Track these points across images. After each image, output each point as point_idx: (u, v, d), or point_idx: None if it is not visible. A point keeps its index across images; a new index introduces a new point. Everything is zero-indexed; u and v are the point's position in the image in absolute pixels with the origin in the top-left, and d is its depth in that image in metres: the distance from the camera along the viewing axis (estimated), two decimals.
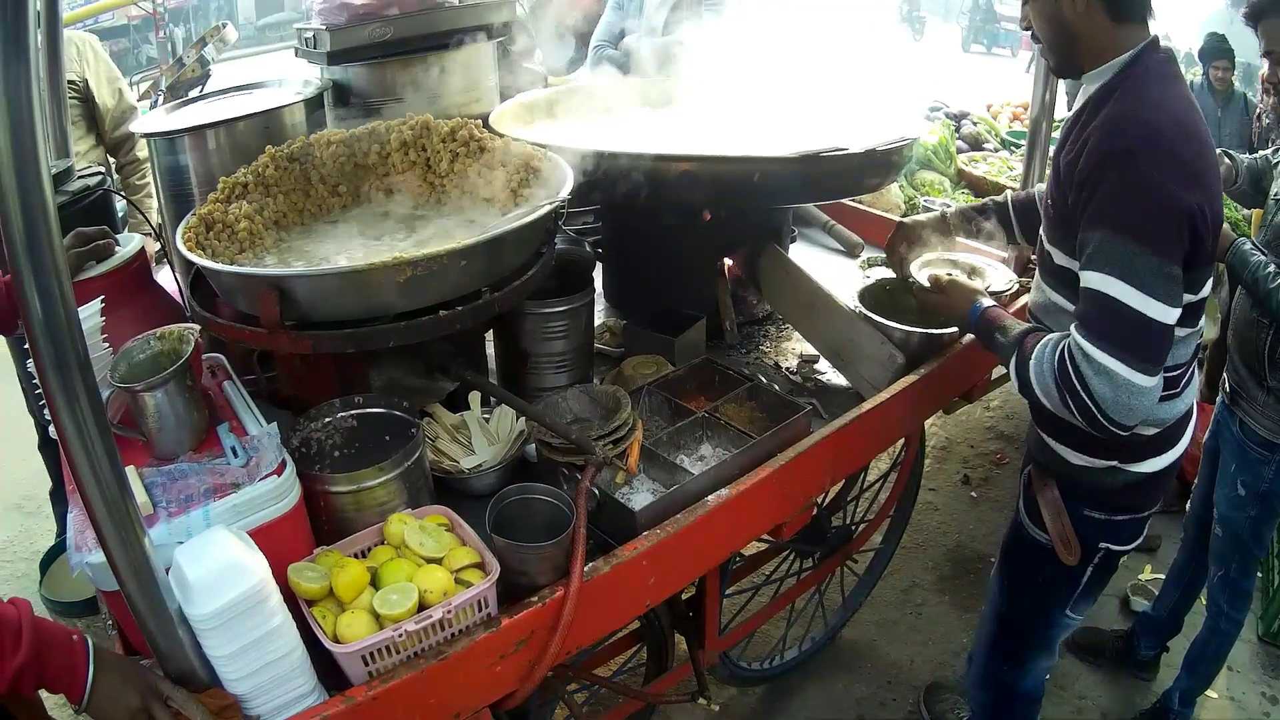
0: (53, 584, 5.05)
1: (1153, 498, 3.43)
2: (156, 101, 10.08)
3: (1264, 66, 4.25)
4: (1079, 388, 2.85)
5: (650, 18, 7.37)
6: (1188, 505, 5.17)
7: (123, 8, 33.71)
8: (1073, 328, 2.90)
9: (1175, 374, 3.17)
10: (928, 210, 4.56)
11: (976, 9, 41.89)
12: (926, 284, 3.74)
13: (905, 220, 4.19)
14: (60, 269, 1.76)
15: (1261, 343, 4.14)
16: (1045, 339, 3.03)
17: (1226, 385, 4.49)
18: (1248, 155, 4.52)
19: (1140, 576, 6.01)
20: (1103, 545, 3.45)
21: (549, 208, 3.17)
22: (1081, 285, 2.90)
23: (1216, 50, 9.93)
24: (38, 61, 1.74)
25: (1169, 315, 2.77)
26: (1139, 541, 3.53)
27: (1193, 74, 11.36)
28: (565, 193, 3.28)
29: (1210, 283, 3.09)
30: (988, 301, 3.44)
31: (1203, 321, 3.20)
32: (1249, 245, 4.09)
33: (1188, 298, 2.94)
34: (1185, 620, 5.27)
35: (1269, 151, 4.38)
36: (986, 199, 4.10)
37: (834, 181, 3.90)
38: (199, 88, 10.00)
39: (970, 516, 6.51)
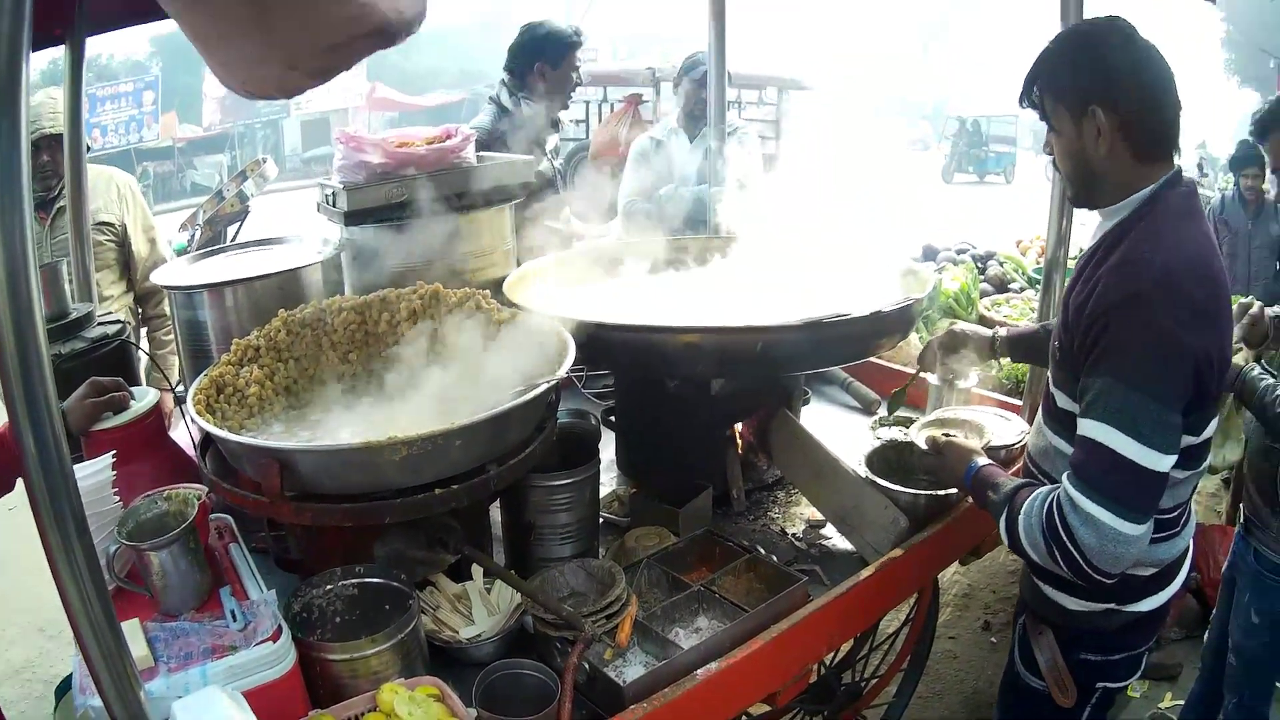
0: (66, 712, 5.11)
1: (1149, 634, 3.43)
2: (194, 235, 10.33)
3: (1275, 182, 4.33)
4: (1065, 538, 2.86)
5: (683, 166, 7.52)
6: (1206, 635, 5.23)
7: (169, 129, 34.26)
8: (1065, 476, 2.93)
9: (1174, 514, 3.19)
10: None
11: (963, 132, 41.43)
12: (925, 446, 3.79)
13: (955, 327, 4.23)
14: (57, 429, 1.86)
15: (1275, 470, 4.25)
16: (1035, 493, 3.04)
17: (1241, 515, 4.60)
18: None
19: (1160, 705, 5.98)
20: (1099, 685, 3.44)
21: (546, 386, 3.24)
22: (1078, 433, 2.93)
23: (1247, 158, 9.84)
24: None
25: (1164, 463, 2.79)
26: (1137, 675, 3.54)
27: (1225, 182, 11.32)
28: (564, 370, 3.35)
29: (1214, 423, 3.14)
30: (983, 461, 3.45)
31: (1206, 462, 3.23)
32: (1258, 370, 4.15)
33: (1188, 440, 2.97)
34: None
35: None
36: (1039, 325, 4.14)
37: (840, 347, 3.97)
38: (238, 223, 10.23)
39: (990, 662, 6.45)
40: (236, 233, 9.99)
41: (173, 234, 11.34)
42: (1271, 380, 4.10)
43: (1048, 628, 3.45)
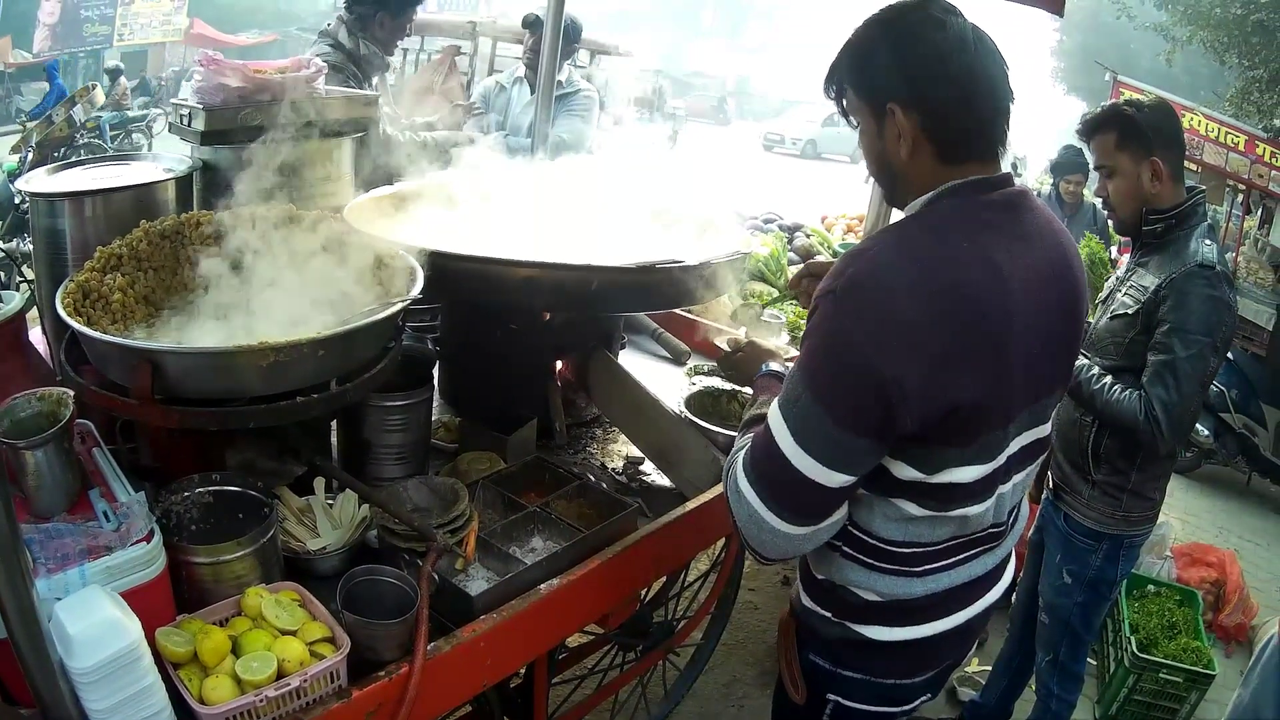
0: None
1: (889, 667, 3.06)
2: (26, 157, 10.26)
3: (1097, 179, 4.57)
4: (728, 497, 2.80)
5: (515, 118, 7.72)
6: (1013, 598, 5.55)
7: (2, 54, 33.42)
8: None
9: (907, 552, 2.85)
10: (766, 319, 4.73)
11: None
12: (728, 348, 3.90)
13: (818, 257, 4.29)
14: None
15: (1085, 440, 4.56)
16: (747, 438, 2.86)
17: (1050, 481, 4.90)
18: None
19: (967, 668, 6.37)
20: (831, 697, 3.12)
21: (401, 305, 3.36)
22: None
23: (1072, 164, 10.41)
24: None
25: (826, 476, 2.56)
26: (891, 709, 3.18)
27: (1040, 182, 11.62)
28: (416, 291, 3.45)
29: (976, 470, 2.70)
30: (775, 367, 3.42)
31: (968, 510, 2.78)
32: None
33: (912, 473, 2.66)
34: (1015, 708, 5.65)
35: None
36: None
37: (669, 292, 4.07)
38: (64, 148, 10.19)
39: None
40: (63, 156, 9.90)
41: (4, 156, 11.23)
42: (1084, 360, 4.44)
43: (793, 619, 3.26)
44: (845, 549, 2.90)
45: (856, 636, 2.99)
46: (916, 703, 3.20)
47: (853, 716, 3.15)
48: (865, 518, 2.83)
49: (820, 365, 2.56)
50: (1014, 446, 2.81)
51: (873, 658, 3.03)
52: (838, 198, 12.40)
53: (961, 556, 2.95)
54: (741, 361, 3.73)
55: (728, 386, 4.69)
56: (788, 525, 2.67)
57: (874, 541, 2.84)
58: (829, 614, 3.03)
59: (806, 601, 3.12)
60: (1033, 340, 2.65)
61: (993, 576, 3.15)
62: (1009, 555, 3.24)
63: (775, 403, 2.67)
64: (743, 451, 2.79)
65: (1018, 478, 2.94)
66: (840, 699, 3.12)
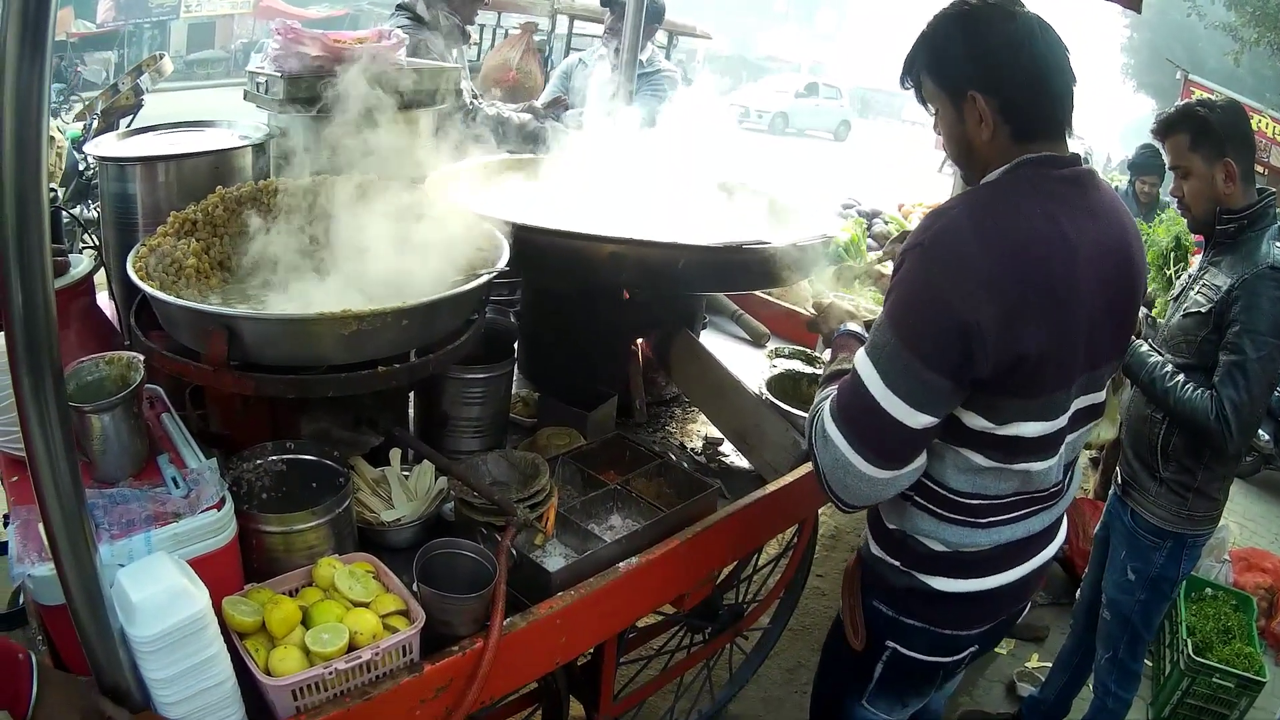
0: None
1: (948, 617, 3.23)
2: (90, 124, 10.26)
3: (1172, 178, 4.54)
4: (812, 445, 2.93)
5: (592, 98, 7.66)
6: (1077, 594, 5.53)
7: (64, 24, 33.76)
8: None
9: (974, 504, 3.03)
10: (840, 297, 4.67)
11: None
12: (813, 312, 3.87)
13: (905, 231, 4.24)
14: (47, 275, 1.82)
15: (1155, 436, 4.53)
16: (832, 387, 2.99)
17: (1119, 477, 4.87)
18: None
19: (1027, 664, 6.32)
20: (890, 644, 3.30)
21: (487, 277, 3.30)
22: None
23: (1149, 165, 10.23)
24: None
25: (912, 417, 2.71)
26: (943, 659, 3.34)
27: (1113, 178, 11.48)
28: (502, 263, 3.40)
29: (1038, 426, 2.88)
30: (853, 327, 3.51)
31: (1031, 465, 2.97)
32: (1145, 347, 4.45)
33: (982, 423, 2.85)
34: (1073, 705, 5.55)
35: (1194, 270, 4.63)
36: None
37: (753, 273, 4.02)
38: (130, 116, 10.15)
39: None
40: (129, 125, 9.88)
41: (67, 124, 11.25)
42: (1159, 358, 4.40)
43: (860, 565, 3.45)
44: (917, 498, 3.07)
45: (922, 586, 3.17)
46: (965, 654, 3.37)
47: (907, 664, 3.32)
48: (937, 468, 3.00)
49: (906, 311, 2.73)
50: (1073, 408, 3.00)
51: (935, 608, 3.21)
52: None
53: (1023, 512, 3.13)
54: (823, 321, 3.72)
55: (809, 370, 4.62)
56: (873, 469, 2.80)
57: (944, 492, 3.03)
58: (897, 563, 3.21)
59: (876, 550, 3.31)
60: (1094, 308, 2.84)
61: (1049, 534, 3.32)
62: (1063, 515, 3.40)
63: (862, 351, 2.83)
64: (829, 400, 2.90)
65: (1071, 438, 3.11)
66: (898, 646, 3.30)
